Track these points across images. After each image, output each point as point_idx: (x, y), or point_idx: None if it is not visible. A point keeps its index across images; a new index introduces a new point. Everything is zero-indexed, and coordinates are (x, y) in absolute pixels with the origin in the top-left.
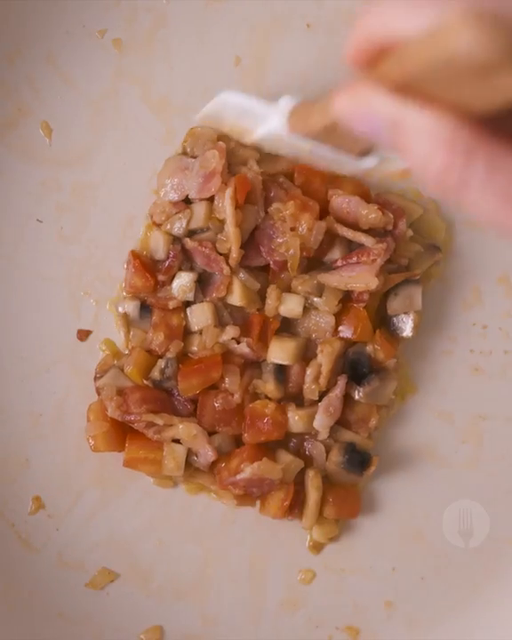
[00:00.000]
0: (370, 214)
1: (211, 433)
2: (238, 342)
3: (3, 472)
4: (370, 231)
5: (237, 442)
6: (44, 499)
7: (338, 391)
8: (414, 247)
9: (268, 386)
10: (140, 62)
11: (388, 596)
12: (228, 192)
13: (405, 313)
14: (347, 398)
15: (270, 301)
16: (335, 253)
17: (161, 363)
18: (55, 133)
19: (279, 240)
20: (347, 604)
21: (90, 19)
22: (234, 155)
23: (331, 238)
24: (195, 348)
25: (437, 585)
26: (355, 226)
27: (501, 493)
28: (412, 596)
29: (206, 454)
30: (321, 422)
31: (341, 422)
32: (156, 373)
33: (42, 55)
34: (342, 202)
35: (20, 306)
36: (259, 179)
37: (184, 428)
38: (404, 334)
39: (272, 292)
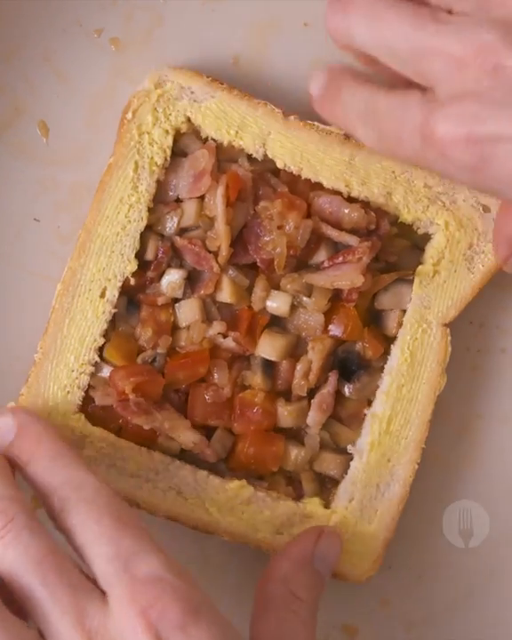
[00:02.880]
0: (352, 213)
1: (203, 426)
2: (225, 337)
3: None
4: (355, 231)
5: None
6: None
7: (330, 388)
8: (401, 243)
9: (256, 378)
10: (138, 61)
11: (385, 595)
12: (220, 190)
13: (392, 309)
14: (336, 395)
15: (258, 291)
16: (321, 255)
17: (148, 354)
18: (52, 132)
19: (266, 238)
20: (344, 603)
21: (86, 17)
22: (222, 152)
23: (317, 239)
24: (183, 343)
25: (434, 584)
26: (338, 226)
27: (501, 493)
28: (410, 595)
29: (206, 456)
30: (313, 419)
31: (334, 418)
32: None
33: (38, 54)
34: (324, 202)
35: (18, 306)
36: (249, 176)
37: (183, 437)
38: (389, 332)
39: (260, 283)
